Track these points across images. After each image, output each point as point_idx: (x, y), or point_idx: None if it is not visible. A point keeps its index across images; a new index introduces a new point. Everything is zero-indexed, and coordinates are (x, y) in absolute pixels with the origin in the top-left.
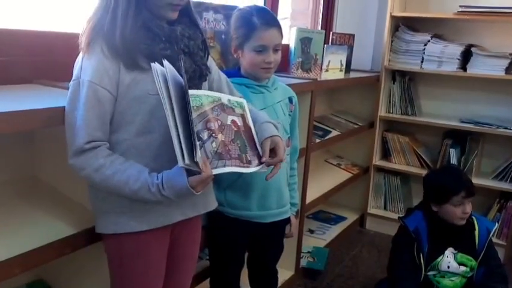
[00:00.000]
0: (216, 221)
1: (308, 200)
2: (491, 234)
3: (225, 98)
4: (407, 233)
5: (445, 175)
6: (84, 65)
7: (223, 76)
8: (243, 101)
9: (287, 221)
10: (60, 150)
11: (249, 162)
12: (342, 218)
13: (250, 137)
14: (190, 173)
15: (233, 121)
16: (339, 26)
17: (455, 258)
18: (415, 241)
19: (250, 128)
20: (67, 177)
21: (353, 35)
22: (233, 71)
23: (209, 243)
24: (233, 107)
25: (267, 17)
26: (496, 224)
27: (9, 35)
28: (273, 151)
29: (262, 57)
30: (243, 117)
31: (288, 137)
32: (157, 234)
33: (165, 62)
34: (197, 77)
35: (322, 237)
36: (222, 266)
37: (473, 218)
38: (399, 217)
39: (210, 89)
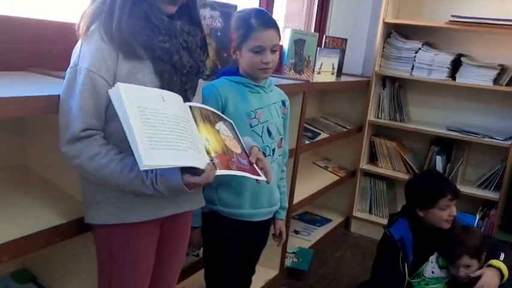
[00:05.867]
0: (210, 221)
1: (295, 201)
2: None
3: (215, 110)
4: (392, 242)
5: (430, 179)
6: (82, 52)
7: None
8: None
9: (273, 219)
10: (51, 139)
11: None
12: (328, 220)
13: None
14: (184, 170)
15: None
16: (332, 29)
17: (438, 262)
18: (400, 250)
19: (238, 137)
20: (57, 166)
21: (346, 39)
22: (231, 70)
23: (204, 244)
24: (223, 117)
25: (265, 18)
26: (476, 217)
27: (2, 22)
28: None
29: (259, 58)
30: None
31: (281, 138)
32: (147, 227)
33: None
34: (194, 72)
35: (307, 238)
36: (217, 268)
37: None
38: (384, 226)
39: None
